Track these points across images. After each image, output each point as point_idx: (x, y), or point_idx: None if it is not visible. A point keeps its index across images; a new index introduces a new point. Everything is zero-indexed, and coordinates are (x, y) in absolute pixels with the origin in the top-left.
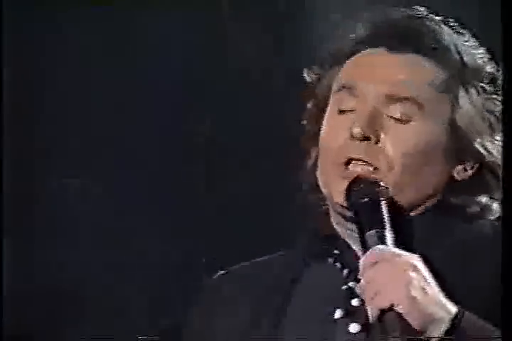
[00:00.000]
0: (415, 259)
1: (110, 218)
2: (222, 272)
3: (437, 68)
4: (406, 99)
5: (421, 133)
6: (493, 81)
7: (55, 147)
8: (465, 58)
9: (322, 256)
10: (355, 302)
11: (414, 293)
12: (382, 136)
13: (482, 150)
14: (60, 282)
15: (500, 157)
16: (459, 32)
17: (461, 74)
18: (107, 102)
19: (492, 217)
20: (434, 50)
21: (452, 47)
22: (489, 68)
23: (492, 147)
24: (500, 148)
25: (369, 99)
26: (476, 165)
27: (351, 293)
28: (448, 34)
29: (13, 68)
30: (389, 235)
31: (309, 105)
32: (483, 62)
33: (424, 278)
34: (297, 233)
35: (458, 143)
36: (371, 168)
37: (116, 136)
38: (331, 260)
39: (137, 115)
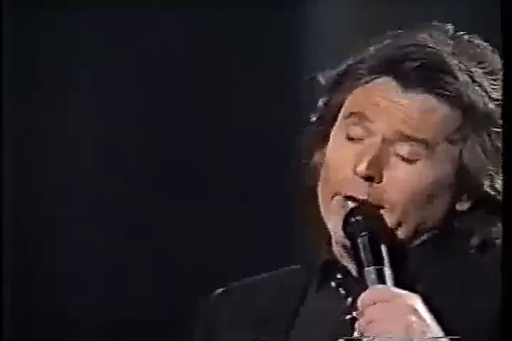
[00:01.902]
0: (415, 301)
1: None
2: (221, 290)
3: (451, 112)
4: (417, 139)
5: (427, 173)
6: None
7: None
8: (478, 103)
9: (326, 279)
10: (356, 334)
11: (414, 337)
12: (386, 174)
13: (492, 192)
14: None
15: None
16: (475, 73)
17: (474, 120)
18: (105, 101)
19: (493, 248)
20: (448, 94)
21: (465, 91)
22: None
23: (500, 186)
24: None
25: (379, 133)
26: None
27: (354, 324)
28: (463, 75)
29: (13, 68)
30: (388, 273)
31: (320, 111)
32: (496, 105)
33: (424, 321)
34: (298, 253)
35: (466, 184)
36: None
37: (113, 137)
38: (334, 284)
39: (137, 115)
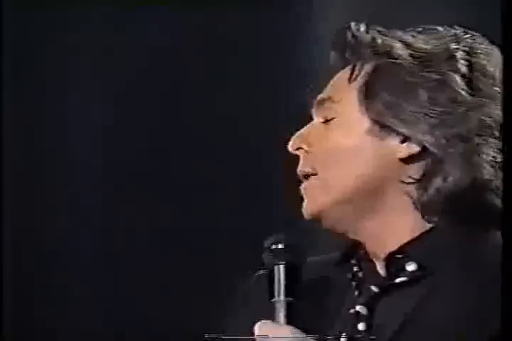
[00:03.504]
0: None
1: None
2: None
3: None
4: (323, 98)
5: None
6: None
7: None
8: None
9: (343, 270)
10: (361, 326)
11: None
12: (314, 141)
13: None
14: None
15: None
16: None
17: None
18: (105, 101)
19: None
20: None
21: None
22: None
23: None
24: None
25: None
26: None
27: (358, 317)
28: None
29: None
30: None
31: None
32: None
33: None
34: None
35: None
36: None
37: (113, 136)
38: (349, 275)
39: (138, 115)
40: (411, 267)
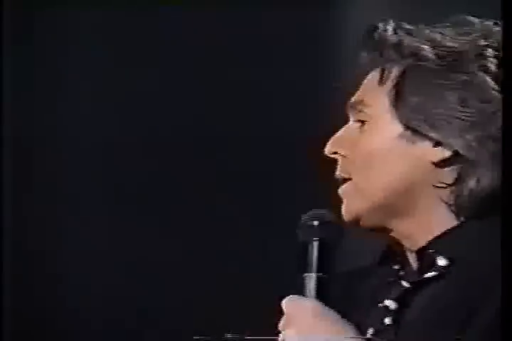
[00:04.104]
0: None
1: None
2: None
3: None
4: (355, 102)
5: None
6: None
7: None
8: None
9: (385, 269)
10: (387, 321)
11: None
12: (351, 146)
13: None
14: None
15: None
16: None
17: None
18: (105, 101)
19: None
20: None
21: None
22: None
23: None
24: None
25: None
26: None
27: (386, 311)
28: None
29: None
30: (323, 282)
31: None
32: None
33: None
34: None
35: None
36: None
37: (114, 136)
38: (388, 271)
39: (138, 115)
40: (442, 262)
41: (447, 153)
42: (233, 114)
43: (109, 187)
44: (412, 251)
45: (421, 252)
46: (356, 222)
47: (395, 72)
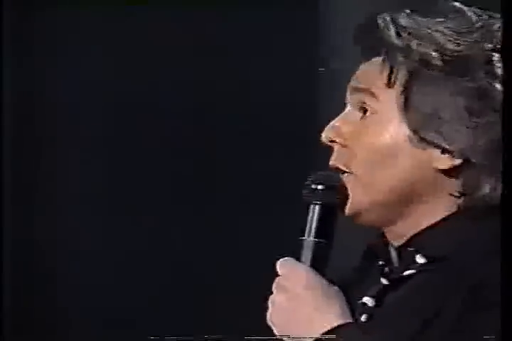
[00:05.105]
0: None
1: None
2: None
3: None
4: (358, 89)
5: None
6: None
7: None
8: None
9: (368, 264)
10: (363, 318)
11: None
12: (352, 137)
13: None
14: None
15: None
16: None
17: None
18: (106, 100)
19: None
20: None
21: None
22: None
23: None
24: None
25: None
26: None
27: (364, 308)
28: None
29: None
30: (323, 247)
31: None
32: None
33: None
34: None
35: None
36: None
37: (115, 135)
38: (372, 266)
39: (139, 115)
40: (421, 260)
41: (457, 161)
42: (232, 113)
43: (109, 188)
44: (394, 248)
45: (401, 249)
46: (356, 216)
47: (402, 75)
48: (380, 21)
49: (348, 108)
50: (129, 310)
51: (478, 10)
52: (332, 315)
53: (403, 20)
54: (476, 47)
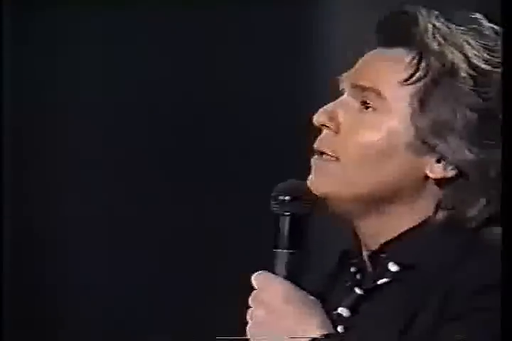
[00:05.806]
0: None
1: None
2: None
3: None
4: (362, 87)
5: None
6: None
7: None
8: (442, 56)
9: (342, 270)
10: (340, 329)
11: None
12: (345, 125)
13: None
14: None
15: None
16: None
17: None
18: (106, 100)
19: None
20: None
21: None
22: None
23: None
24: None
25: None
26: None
27: (339, 319)
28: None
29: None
30: (297, 258)
31: None
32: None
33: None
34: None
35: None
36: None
37: (115, 137)
38: (346, 274)
39: (139, 115)
40: (393, 267)
41: (450, 173)
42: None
43: (109, 188)
44: (367, 255)
45: (374, 256)
46: (327, 199)
47: (426, 77)
48: (419, 17)
49: (346, 97)
50: (129, 310)
51: (495, 25)
52: (314, 327)
53: (437, 22)
54: (499, 67)
